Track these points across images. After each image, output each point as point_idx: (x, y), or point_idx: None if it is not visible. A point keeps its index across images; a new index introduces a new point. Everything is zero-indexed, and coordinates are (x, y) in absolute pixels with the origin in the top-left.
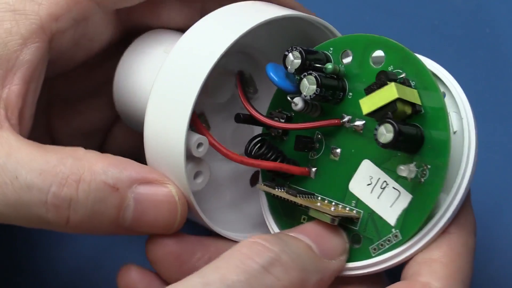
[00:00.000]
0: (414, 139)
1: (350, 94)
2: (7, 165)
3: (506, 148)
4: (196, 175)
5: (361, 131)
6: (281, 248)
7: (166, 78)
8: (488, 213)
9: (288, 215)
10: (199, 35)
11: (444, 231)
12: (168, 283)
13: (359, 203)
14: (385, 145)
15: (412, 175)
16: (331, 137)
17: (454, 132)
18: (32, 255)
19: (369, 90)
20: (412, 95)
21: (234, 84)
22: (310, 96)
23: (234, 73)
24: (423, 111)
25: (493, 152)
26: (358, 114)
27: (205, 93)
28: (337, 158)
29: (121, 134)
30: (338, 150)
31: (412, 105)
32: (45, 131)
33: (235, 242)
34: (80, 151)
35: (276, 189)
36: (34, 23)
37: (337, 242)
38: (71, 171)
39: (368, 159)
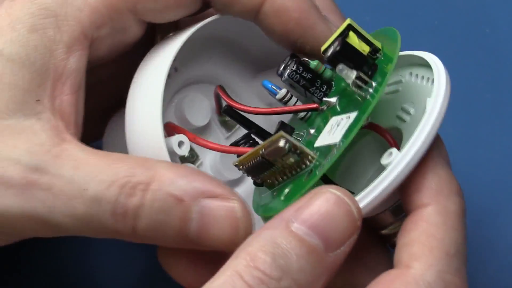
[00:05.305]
0: (362, 56)
1: (335, 87)
2: (75, 177)
3: (506, 148)
4: None
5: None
6: (280, 275)
7: (133, 94)
8: (488, 213)
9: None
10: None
11: (419, 204)
12: None
13: (320, 149)
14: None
15: (349, 80)
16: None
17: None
18: (37, 262)
19: None
20: (369, 36)
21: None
22: (289, 75)
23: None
24: (381, 55)
25: (493, 152)
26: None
27: (185, 121)
28: (312, 137)
29: None
30: (313, 130)
31: (370, 45)
32: None
33: None
34: (150, 161)
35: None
36: (76, 30)
37: (346, 226)
38: (139, 181)
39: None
